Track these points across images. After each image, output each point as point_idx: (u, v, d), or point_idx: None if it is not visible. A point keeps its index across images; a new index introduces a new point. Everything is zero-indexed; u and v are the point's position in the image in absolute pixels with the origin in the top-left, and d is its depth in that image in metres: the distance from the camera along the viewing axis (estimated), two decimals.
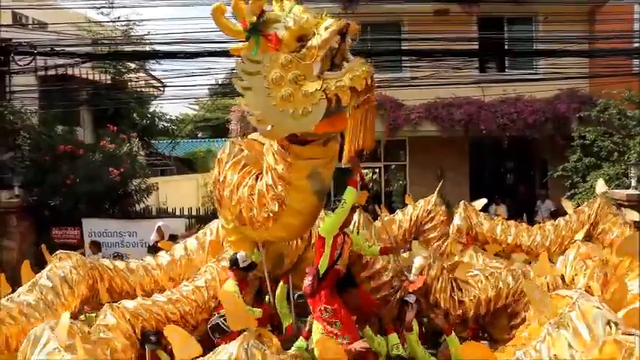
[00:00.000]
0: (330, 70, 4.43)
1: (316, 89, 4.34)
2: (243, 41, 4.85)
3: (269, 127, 4.52)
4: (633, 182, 10.91)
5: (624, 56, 13.50)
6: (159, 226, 10.67)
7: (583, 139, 13.06)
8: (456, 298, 6.11)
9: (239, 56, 4.78)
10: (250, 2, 4.62)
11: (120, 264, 6.73)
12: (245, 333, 3.33)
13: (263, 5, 4.63)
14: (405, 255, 6.82)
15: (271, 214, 5.16)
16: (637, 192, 10.48)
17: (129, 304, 5.60)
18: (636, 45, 14.14)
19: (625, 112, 12.90)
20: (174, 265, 6.86)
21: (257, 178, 5.41)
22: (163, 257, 6.98)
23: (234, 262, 5.94)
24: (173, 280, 6.67)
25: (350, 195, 5.16)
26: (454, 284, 6.22)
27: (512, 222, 8.44)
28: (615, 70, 12.74)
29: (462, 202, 8.41)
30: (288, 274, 6.25)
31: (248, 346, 3.16)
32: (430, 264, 6.18)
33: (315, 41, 4.39)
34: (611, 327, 3.10)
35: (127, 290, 6.38)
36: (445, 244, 7.98)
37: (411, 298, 5.78)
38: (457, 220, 8.23)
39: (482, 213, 8.49)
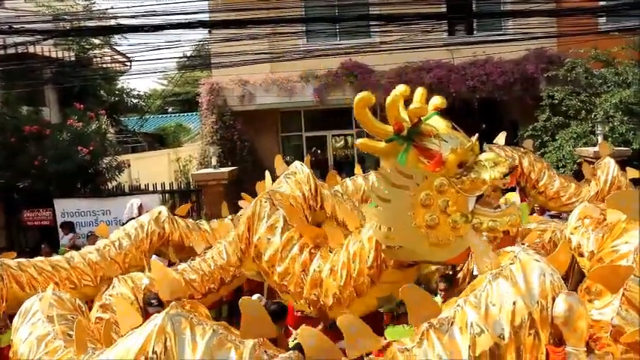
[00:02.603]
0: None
1: (466, 223, 4.04)
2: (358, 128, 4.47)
3: (395, 246, 4.20)
4: (600, 139, 11.10)
5: (590, 15, 13.59)
6: (140, 205, 10.62)
7: (551, 99, 13.21)
8: None
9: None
10: (412, 107, 4.20)
11: (35, 261, 6.69)
12: (173, 303, 3.35)
13: (425, 114, 4.26)
14: None
15: (321, 303, 4.94)
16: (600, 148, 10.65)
17: (135, 274, 5.86)
18: (602, 3, 14.25)
19: (591, 71, 13.07)
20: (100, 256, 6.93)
21: (310, 252, 5.08)
22: (87, 249, 7.13)
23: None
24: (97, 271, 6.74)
25: None
26: None
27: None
28: (582, 29, 12.83)
29: (484, 145, 8.42)
30: None
31: (174, 315, 3.19)
32: None
33: (484, 175, 4.08)
34: (544, 277, 3.22)
35: (38, 287, 6.24)
36: None
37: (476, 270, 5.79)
38: None
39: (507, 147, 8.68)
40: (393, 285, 4.53)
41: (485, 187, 4.11)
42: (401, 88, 4.36)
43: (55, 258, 6.84)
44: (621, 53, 12.89)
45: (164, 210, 7.71)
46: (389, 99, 4.22)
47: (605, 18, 14.26)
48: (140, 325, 3.33)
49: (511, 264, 3.33)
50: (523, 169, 8.64)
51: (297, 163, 6.64)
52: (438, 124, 4.30)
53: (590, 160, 10.80)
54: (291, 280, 5.03)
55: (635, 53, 12.75)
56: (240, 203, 7.86)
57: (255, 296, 6.37)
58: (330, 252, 5.00)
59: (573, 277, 5.78)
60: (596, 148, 10.85)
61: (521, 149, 9.04)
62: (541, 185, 8.63)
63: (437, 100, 4.48)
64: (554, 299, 3.17)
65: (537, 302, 3.15)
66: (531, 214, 8.13)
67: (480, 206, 4.14)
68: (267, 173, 6.53)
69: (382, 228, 4.23)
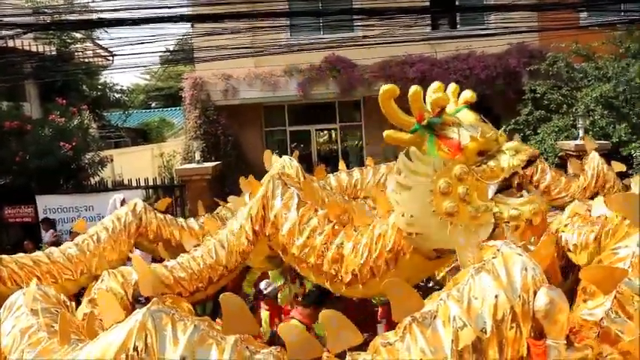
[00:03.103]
0: (499, 191, 4.15)
1: (486, 211, 4.06)
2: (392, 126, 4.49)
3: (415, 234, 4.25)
4: (581, 133, 11.23)
5: (571, 9, 13.72)
6: (123, 200, 10.56)
7: (533, 93, 13.33)
8: None
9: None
10: (433, 97, 4.28)
11: (16, 257, 6.61)
12: (154, 299, 3.36)
13: (446, 104, 4.32)
14: None
15: (339, 278, 5.00)
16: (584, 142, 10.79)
17: (125, 269, 5.75)
18: None
19: (572, 65, 13.20)
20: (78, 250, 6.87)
21: (333, 228, 5.11)
22: (67, 244, 7.04)
23: (259, 292, 6.12)
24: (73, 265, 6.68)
25: None
26: None
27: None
28: (563, 24, 12.95)
29: None
30: None
31: (155, 311, 3.20)
32: None
33: (503, 163, 4.11)
34: (526, 271, 3.22)
35: (20, 282, 6.12)
36: None
37: None
38: None
39: None
40: (411, 273, 4.63)
41: (504, 174, 4.12)
42: (434, 85, 4.44)
43: (36, 253, 6.79)
44: (601, 48, 13.03)
45: (140, 201, 7.69)
46: (411, 90, 4.23)
47: (585, 13, 14.40)
48: (122, 321, 3.32)
49: (493, 258, 3.33)
50: None
51: (285, 157, 6.71)
52: (467, 116, 4.38)
53: (571, 153, 10.93)
54: (311, 252, 5.10)
55: (615, 48, 12.89)
56: (230, 199, 7.92)
57: (264, 282, 6.35)
58: (355, 231, 5.09)
59: (574, 274, 5.80)
60: (578, 142, 10.96)
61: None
62: (535, 180, 8.67)
63: (467, 94, 4.55)
64: (535, 293, 3.17)
65: (519, 296, 3.15)
66: None
67: (503, 195, 4.14)
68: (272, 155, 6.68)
69: (404, 215, 4.30)
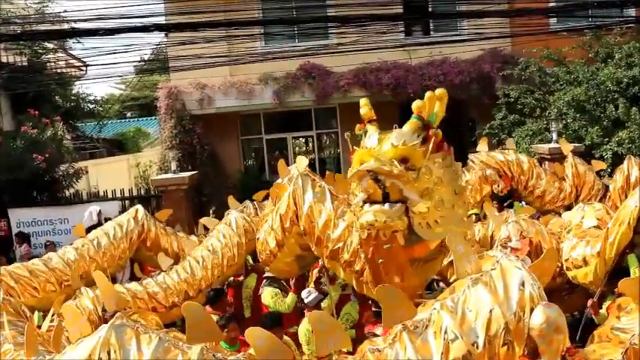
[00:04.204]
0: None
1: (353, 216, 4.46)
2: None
3: None
4: (555, 136, 11.39)
5: (542, 15, 13.92)
6: (99, 212, 10.43)
7: (507, 97, 13.50)
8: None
9: None
10: (361, 112, 4.80)
11: (11, 268, 6.55)
12: (118, 314, 3.35)
13: (372, 117, 4.71)
14: None
15: (365, 278, 5.11)
16: (558, 145, 10.93)
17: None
18: (552, 4, 14.63)
19: (544, 70, 13.41)
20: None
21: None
22: (65, 248, 7.03)
23: (300, 301, 6.11)
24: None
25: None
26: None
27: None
28: (534, 29, 13.14)
29: (469, 155, 8.56)
30: None
31: (118, 325, 3.18)
32: (532, 223, 5.98)
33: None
34: (524, 287, 3.17)
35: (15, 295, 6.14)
36: None
37: (527, 262, 5.65)
38: (478, 173, 8.35)
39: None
40: (403, 271, 4.69)
41: (353, 183, 4.46)
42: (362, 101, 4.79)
43: (33, 262, 6.69)
44: (571, 52, 13.26)
45: (141, 208, 7.60)
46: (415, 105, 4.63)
47: (555, 19, 14.64)
48: (88, 335, 3.28)
49: (492, 269, 3.28)
50: (513, 174, 8.69)
51: (298, 165, 6.73)
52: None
53: (545, 156, 11.07)
54: (345, 248, 5.17)
55: (585, 52, 13.12)
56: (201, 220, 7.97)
57: (305, 291, 6.21)
58: None
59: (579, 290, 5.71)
60: (552, 145, 11.13)
61: (505, 152, 9.13)
62: (530, 185, 8.74)
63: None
64: (532, 310, 3.13)
65: (514, 313, 3.10)
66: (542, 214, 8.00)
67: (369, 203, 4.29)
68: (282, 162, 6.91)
69: None
